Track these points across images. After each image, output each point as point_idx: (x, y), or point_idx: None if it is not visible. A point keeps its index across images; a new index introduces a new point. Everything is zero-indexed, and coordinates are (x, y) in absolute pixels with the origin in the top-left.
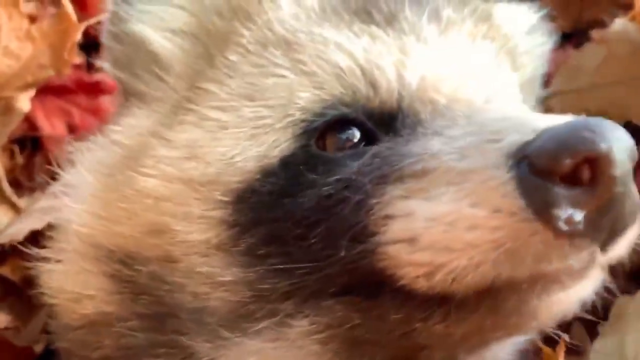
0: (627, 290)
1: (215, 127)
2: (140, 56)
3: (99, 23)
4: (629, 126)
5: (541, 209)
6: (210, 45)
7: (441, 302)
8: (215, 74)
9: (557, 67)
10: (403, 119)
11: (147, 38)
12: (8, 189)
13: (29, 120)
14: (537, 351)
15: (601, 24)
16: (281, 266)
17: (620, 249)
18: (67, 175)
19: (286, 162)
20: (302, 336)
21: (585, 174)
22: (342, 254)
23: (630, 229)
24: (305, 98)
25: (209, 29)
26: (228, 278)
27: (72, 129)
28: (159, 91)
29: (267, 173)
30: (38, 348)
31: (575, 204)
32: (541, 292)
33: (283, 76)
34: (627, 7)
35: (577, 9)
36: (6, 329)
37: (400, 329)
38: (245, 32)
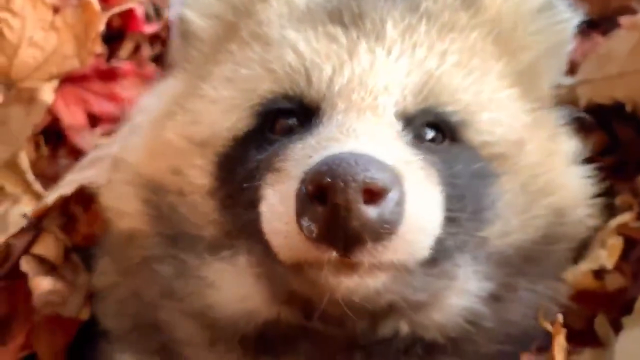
0: None
1: (210, 101)
2: (185, 34)
3: (120, 14)
4: None
5: (298, 218)
6: (223, 34)
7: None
8: (219, 58)
9: (584, 55)
10: (321, 116)
11: (190, 20)
12: (33, 180)
13: (51, 112)
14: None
15: (630, 11)
16: (231, 215)
17: (396, 252)
18: (135, 118)
19: (245, 136)
20: (246, 267)
21: (321, 198)
22: (246, 216)
23: (374, 240)
24: (265, 89)
25: (226, 20)
26: (212, 217)
27: (91, 117)
28: (187, 64)
29: (234, 142)
30: (84, 314)
31: (312, 218)
32: (330, 274)
33: (254, 69)
34: None
35: None
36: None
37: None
38: (243, 27)
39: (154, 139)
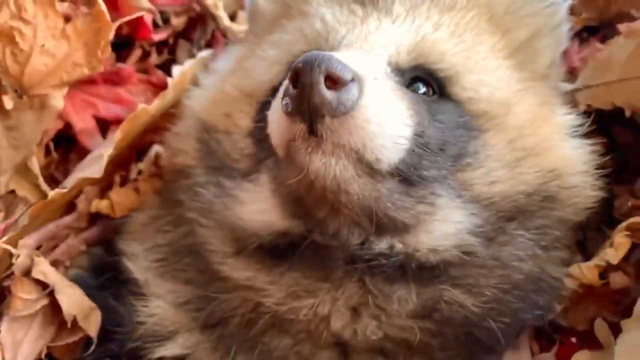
0: None
1: (260, 60)
2: (253, 13)
3: (129, 21)
4: None
5: (282, 100)
6: (279, 13)
7: None
8: (273, 30)
9: (584, 61)
10: None
11: (257, 2)
12: (44, 185)
13: (62, 117)
14: None
15: (628, 17)
16: (260, 146)
17: (352, 135)
18: (202, 79)
19: (279, 86)
20: (265, 184)
21: (295, 81)
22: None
23: (331, 116)
24: (298, 48)
25: (283, 2)
26: (247, 152)
27: (99, 120)
28: (251, 35)
29: (272, 91)
30: None
31: (289, 96)
32: (304, 150)
33: (293, 35)
34: None
35: (603, 3)
36: None
37: None
38: (294, 6)
39: (216, 90)
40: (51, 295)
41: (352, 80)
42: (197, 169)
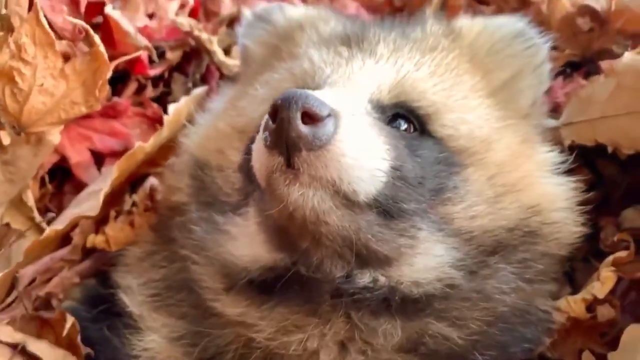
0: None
1: (251, 98)
2: (244, 56)
3: (128, 60)
4: (638, 156)
5: (263, 134)
6: (268, 54)
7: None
8: (264, 71)
9: (568, 97)
10: None
11: (247, 46)
12: (38, 218)
13: (57, 150)
14: None
15: (610, 54)
16: (248, 180)
17: (328, 168)
18: (198, 117)
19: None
20: (252, 217)
21: (274, 117)
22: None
23: (307, 149)
24: (286, 86)
25: (272, 44)
26: (237, 186)
27: (94, 153)
28: (242, 77)
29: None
30: None
31: (268, 130)
32: (282, 183)
33: (283, 74)
34: (635, 37)
35: (585, 39)
36: None
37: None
38: (284, 48)
39: (209, 128)
40: (23, 351)
41: (329, 116)
42: (191, 206)
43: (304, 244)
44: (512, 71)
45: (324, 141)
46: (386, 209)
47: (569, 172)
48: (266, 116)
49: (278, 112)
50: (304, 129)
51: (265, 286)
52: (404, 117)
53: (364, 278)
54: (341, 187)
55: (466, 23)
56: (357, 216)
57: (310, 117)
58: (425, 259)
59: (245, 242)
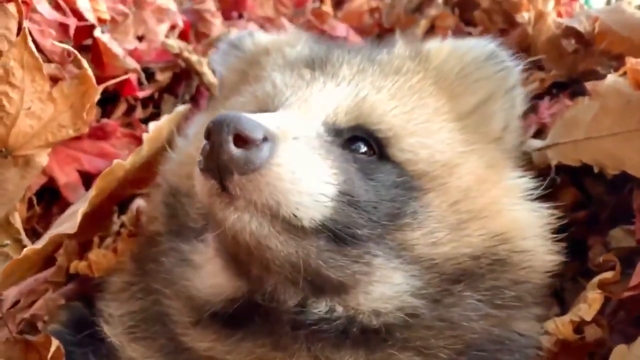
0: (629, 336)
1: None
2: (219, 82)
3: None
4: (625, 176)
5: (199, 158)
6: (237, 80)
7: None
8: (232, 95)
9: (554, 117)
10: None
11: (220, 73)
12: (26, 240)
13: (45, 172)
14: None
15: (595, 75)
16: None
17: (262, 192)
18: (179, 141)
19: None
20: (212, 243)
21: (207, 138)
22: None
23: (239, 173)
24: (249, 109)
25: (241, 69)
26: (202, 211)
27: (83, 174)
28: (214, 102)
29: None
30: None
31: (202, 154)
32: (218, 207)
33: (247, 97)
34: (619, 59)
35: (571, 60)
36: None
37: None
38: (251, 72)
39: (183, 154)
40: None
41: (265, 139)
42: (164, 236)
43: (255, 270)
44: (482, 94)
45: (257, 165)
46: (336, 234)
47: (553, 192)
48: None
49: (210, 135)
50: (235, 152)
51: (230, 320)
52: (363, 140)
53: (320, 307)
54: (279, 212)
55: (434, 45)
56: (304, 242)
57: (242, 141)
58: (383, 287)
59: (207, 271)
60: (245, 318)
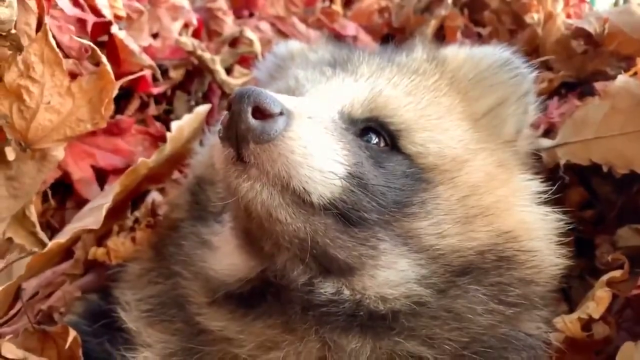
0: (636, 334)
1: None
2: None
3: (131, 78)
4: (633, 175)
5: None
6: (268, 80)
7: None
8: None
9: (563, 117)
10: None
11: (256, 76)
12: (41, 233)
13: (60, 167)
14: None
15: (604, 75)
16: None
17: (275, 163)
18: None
19: None
20: (229, 222)
21: (228, 109)
22: None
23: (255, 142)
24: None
25: (273, 71)
26: (221, 195)
27: (97, 170)
28: None
29: None
30: None
31: (222, 122)
32: (233, 175)
33: (286, 88)
34: (628, 60)
35: (580, 61)
36: None
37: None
38: (277, 75)
39: (210, 147)
40: None
41: (281, 114)
42: (186, 222)
43: (267, 247)
44: (496, 98)
45: (272, 136)
46: (344, 215)
47: (562, 191)
48: (225, 111)
49: (232, 105)
50: (253, 122)
51: (243, 300)
52: (375, 132)
53: (327, 287)
54: (290, 184)
55: (452, 51)
56: (312, 217)
57: (261, 112)
58: (389, 272)
59: (223, 251)
60: (259, 298)
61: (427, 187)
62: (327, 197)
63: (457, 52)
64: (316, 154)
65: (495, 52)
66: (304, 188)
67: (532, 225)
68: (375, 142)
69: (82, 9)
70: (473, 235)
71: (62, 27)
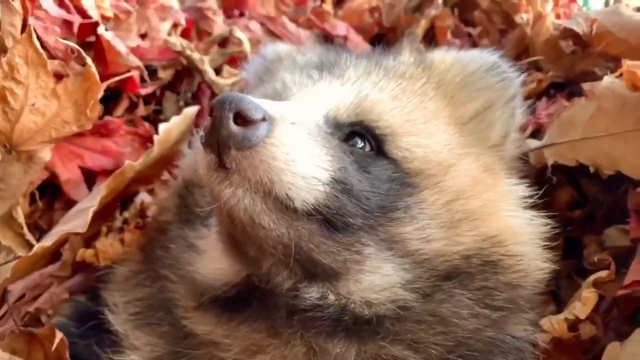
0: (622, 334)
1: None
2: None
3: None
4: (620, 175)
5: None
6: (258, 82)
7: None
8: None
9: (551, 117)
10: None
11: (244, 78)
12: (28, 234)
13: (47, 168)
14: None
15: (592, 76)
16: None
17: (257, 169)
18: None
19: None
20: (213, 226)
21: (210, 115)
22: None
23: (237, 149)
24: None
25: (261, 74)
26: (208, 199)
27: (85, 171)
28: None
29: None
30: None
31: (203, 129)
32: (215, 182)
33: (257, 95)
34: (616, 60)
35: (569, 61)
36: None
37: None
38: (265, 77)
39: (198, 150)
40: None
41: (263, 120)
42: (173, 224)
43: (252, 252)
44: (482, 103)
45: (253, 142)
46: (329, 220)
47: (550, 191)
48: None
49: (213, 111)
50: (234, 128)
51: (230, 303)
52: (361, 136)
53: (312, 292)
54: (272, 191)
55: (439, 54)
56: (295, 223)
57: (242, 119)
58: (373, 276)
59: (210, 256)
60: (244, 302)
61: (413, 192)
62: (310, 203)
63: (444, 56)
64: (299, 160)
65: (482, 56)
66: (286, 194)
67: (518, 229)
68: (360, 146)
69: (68, 10)
70: (458, 240)
71: (48, 29)
